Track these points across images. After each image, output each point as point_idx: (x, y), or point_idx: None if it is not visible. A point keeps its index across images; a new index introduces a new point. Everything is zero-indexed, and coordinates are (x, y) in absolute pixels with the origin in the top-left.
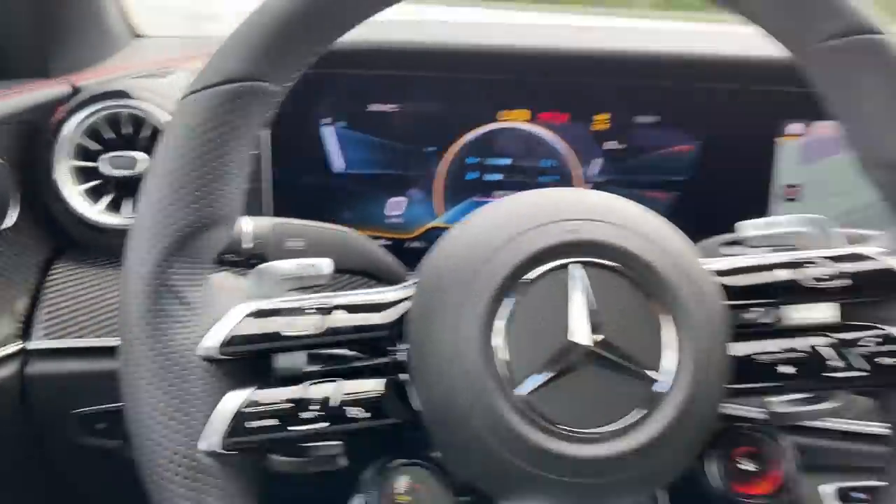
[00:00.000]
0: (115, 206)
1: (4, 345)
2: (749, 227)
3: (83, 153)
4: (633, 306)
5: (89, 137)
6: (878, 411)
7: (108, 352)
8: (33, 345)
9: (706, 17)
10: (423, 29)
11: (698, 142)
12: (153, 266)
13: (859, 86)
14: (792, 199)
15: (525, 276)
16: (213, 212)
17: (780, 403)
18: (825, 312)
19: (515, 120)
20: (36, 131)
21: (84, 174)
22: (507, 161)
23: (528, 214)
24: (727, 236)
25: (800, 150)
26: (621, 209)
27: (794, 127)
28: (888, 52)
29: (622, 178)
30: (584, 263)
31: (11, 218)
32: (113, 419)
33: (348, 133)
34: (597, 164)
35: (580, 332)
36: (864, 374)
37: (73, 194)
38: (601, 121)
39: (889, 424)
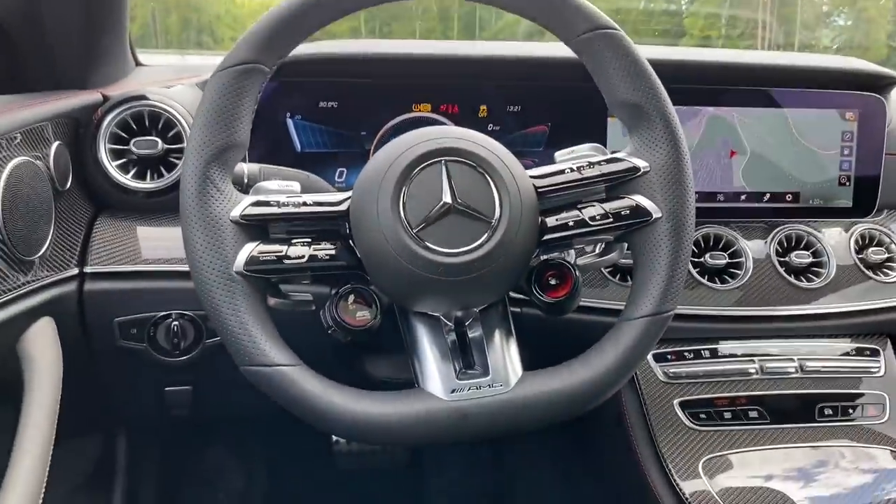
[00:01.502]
0: (140, 176)
1: (67, 268)
2: (560, 154)
3: (117, 139)
4: (477, 182)
5: (121, 129)
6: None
7: (137, 275)
8: (87, 269)
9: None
10: (356, 46)
11: (549, 123)
12: (199, 167)
13: (604, 60)
14: None
15: (416, 169)
16: (233, 139)
17: (578, 258)
18: (599, 196)
19: (423, 111)
20: (80, 125)
21: (117, 154)
22: None
23: (418, 136)
24: None
25: (622, 126)
26: (473, 134)
27: None
28: (619, 39)
29: None
30: (449, 160)
31: (68, 183)
32: (140, 326)
33: (303, 123)
34: None
35: (447, 195)
36: (610, 223)
37: (112, 168)
38: (483, 110)
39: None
